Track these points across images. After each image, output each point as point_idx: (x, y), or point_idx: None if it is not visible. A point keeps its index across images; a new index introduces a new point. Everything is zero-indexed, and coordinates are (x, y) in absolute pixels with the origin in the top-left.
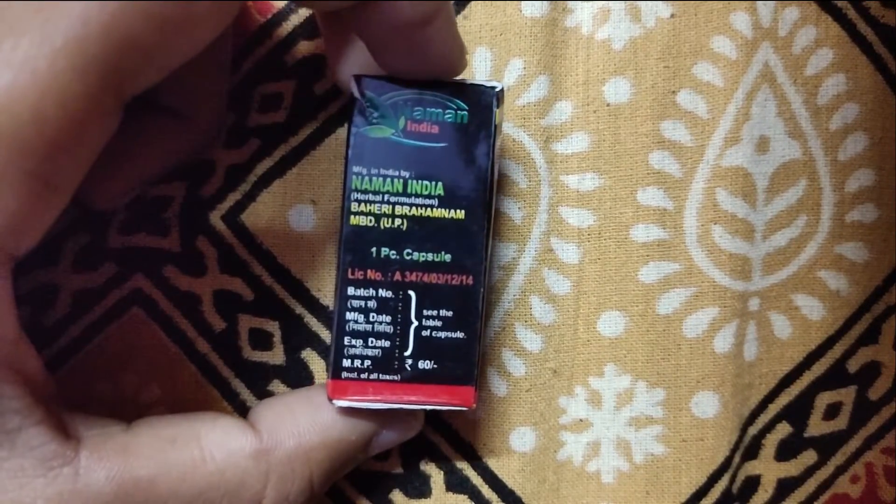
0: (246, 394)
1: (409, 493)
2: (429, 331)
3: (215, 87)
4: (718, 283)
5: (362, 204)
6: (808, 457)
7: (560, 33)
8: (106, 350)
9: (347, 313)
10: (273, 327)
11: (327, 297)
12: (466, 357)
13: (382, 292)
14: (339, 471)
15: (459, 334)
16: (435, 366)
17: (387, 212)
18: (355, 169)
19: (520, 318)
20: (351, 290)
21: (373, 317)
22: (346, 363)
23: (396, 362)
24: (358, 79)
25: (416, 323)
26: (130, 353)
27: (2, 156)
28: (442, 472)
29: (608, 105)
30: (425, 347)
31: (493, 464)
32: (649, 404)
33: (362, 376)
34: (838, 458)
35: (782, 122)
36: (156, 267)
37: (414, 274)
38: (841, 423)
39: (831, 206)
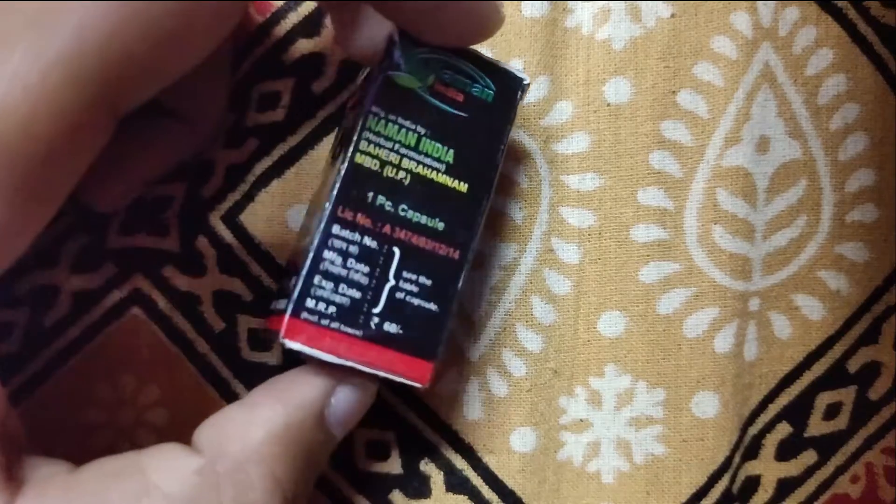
0: (245, 394)
1: (408, 494)
2: (403, 294)
3: (216, 90)
4: (719, 283)
5: (372, 146)
6: (808, 457)
7: (560, 33)
8: (105, 350)
9: (326, 251)
10: None
11: None
12: (434, 331)
13: (367, 240)
14: (308, 461)
15: (433, 306)
16: (400, 331)
17: (393, 161)
18: (374, 109)
19: (520, 318)
20: (336, 229)
21: (350, 263)
22: (310, 304)
23: (362, 317)
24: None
25: (392, 282)
26: (130, 353)
27: None
28: (442, 473)
29: (608, 105)
30: (395, 310)
31: (493, 464)
32: (649, 404)
33: (323, 322)
34: (838, 458)
35: (782, 122)
36: (155, 267)
37: (403, 232)
38: (841, 423)
39: (831, 206)
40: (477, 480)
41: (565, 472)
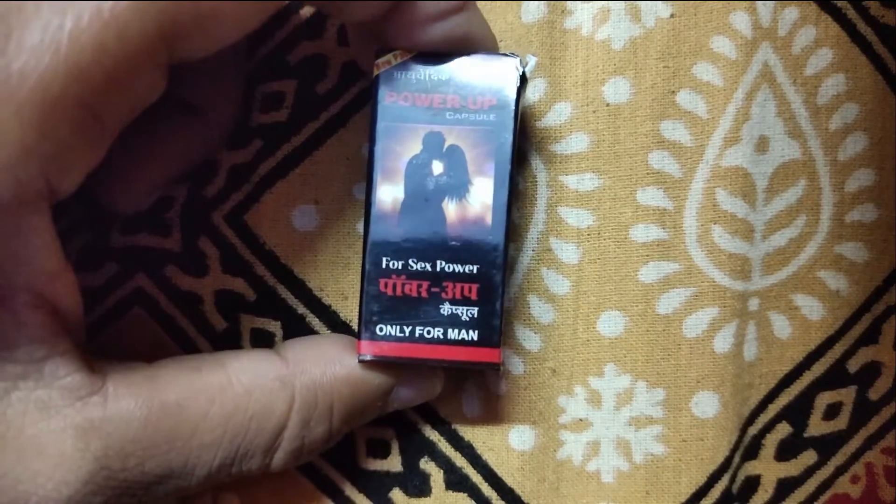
0: None
1: (408, 492)
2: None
3: (231, 81)
4: (718, 283)
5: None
6: (808, 457)
7: (559, 35)
8: (107, 349)
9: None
10: (275, 327)
11: (330, 297)
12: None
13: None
14: (357, 416)
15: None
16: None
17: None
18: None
19: (518, 318)
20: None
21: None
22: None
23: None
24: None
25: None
26: (132, 352)
27: (63, 81)
28: (442, 471)
29: (608, 105)
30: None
31: (492, 462)
32: (649, 404)
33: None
34: (838, 458)
35: (782, 122)
36: (157, 266)
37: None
38: (841, 423)
39: (831, 206)
40: (477, 478)
41: (565, 472)
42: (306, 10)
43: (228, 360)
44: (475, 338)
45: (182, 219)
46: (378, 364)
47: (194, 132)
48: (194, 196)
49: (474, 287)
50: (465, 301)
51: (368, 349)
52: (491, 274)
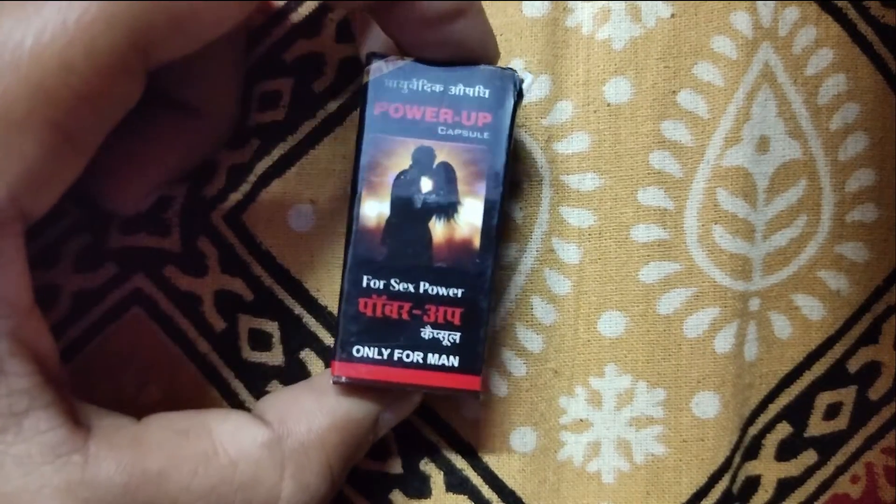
0: (245, 394)
1: (409, 494)
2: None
3: (230, 81)
4: (719, 283)
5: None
6: (809, 457)
7: (561, 33)
8: (106, 350)
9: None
10: (272, 328)
11: (326, 298)
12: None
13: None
14: (354, 455)
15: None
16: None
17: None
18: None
19: (520, 318)
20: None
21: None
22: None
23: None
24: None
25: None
26: (131, 353)
27: (27, 102)
28: (442, 473)
29: (609, 105)
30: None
31: (493, 464)
32: (650, 404)
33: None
34: (838, 458)
35: (783, 121)
36: (156, 267)
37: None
38: (841, 423)
39: (831, 206)
40: (477, 480)
41: (565, 472)
42: (303, 8)
43: (215, 424)
44: (456, 364)
45: (181, 219)
46: (355, 389)
47: (192, 132)
48: (193, 196)
49: (458, 312)
50: (448, 326)
51: (343, 371)
52: (476, 299)
